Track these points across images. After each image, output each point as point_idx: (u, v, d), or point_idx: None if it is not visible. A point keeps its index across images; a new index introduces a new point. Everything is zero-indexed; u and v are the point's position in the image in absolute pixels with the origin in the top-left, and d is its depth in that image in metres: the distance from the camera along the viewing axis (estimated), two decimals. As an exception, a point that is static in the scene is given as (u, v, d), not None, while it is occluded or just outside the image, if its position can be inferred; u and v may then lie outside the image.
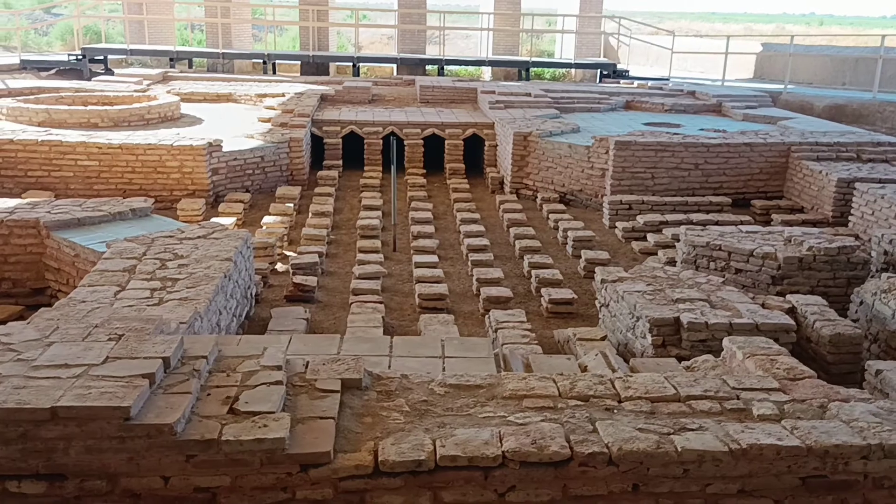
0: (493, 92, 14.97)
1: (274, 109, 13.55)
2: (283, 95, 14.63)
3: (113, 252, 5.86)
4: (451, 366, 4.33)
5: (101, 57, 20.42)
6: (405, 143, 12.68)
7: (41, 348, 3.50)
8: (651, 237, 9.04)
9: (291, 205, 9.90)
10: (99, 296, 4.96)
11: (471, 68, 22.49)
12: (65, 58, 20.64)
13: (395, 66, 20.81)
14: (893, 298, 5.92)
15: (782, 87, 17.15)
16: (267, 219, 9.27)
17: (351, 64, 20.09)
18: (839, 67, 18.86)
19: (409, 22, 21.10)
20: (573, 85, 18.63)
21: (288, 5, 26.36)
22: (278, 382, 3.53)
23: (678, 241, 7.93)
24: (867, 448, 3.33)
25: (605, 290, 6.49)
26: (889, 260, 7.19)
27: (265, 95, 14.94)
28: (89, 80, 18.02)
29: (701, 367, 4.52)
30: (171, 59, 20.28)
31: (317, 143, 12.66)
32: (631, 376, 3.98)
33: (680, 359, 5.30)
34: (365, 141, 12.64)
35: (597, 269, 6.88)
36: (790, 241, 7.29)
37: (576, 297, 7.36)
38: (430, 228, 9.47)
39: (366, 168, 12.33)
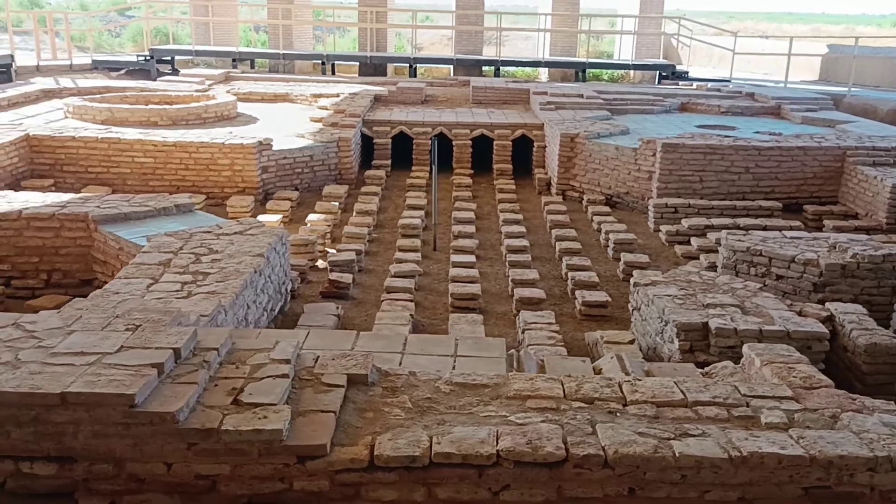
0: (546, 93, 14.90)
1: (327, 109, 13.78)
2: (337, 96, 14.85)
3: (152, 246, 6.07)
4: (461, 364, 4.36)
5: (169, 58, 21.06)
6: (454, 143, 12.75)
7: (62, 336, 3.67)
8: (695, 241, 8.88)
9: (337, 203, 10.06)
10: (132, 288, 5.15)
11: (527, 69, 22.42)
12: (134, 58, 21.37)
13: (451, 67, 20.90)
14: (937, 309, 5.70)
15: (846, 89, 16.61)
16: (312, 216, 9.44)
17: (408, 65, 20.27)
18: (907, 70, 18.20)
19: (466, 23, 21.16)
20: (627, 86, 18.39)
21: (349, 7, 26.72)
22: (284, 376, 3.61)
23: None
24: (874, 460, 3.23)
25: (637, 293, 6.43)
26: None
27: (320, 96, 15.20)
28: (155, 80, 18.60)
29: (719, 374, 4.44)
30: (234, 60, 20.79)
31: (367, 143, 12.82)
32: (640, 380, 3.94)
33: (707, 364, 5.21)
34: (414, 141, 12.75)
35: (634, 272, 6.82)
36: (834, 247, 7.08)
37: (610, 299, 7.30)
38: (471, 228, 9.50)
39: (413, 168, 12.43)
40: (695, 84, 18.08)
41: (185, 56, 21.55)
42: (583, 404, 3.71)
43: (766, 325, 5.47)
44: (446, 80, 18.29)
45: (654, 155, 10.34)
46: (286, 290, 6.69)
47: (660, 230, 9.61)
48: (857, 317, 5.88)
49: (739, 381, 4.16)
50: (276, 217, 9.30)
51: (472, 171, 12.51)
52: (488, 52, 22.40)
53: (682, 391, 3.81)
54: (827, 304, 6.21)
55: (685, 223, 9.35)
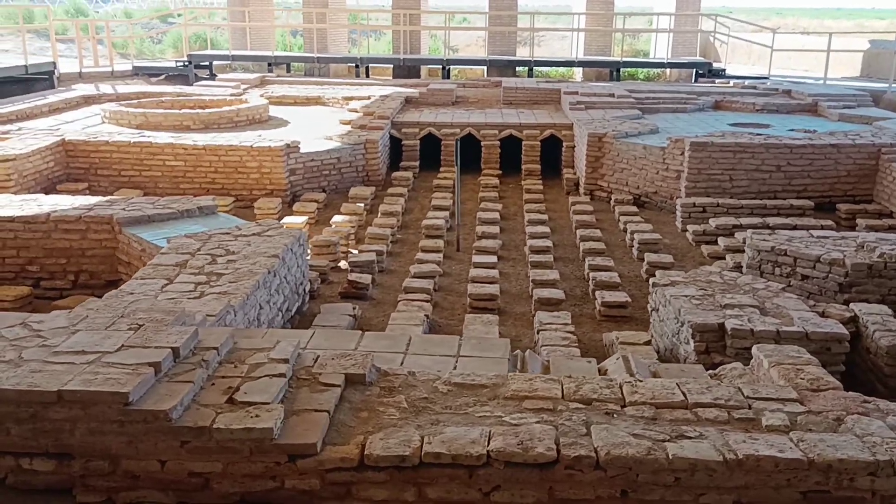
0: (576, 93, 14.80)
1: (356, 112, 13.87)
2: (368, 98, 14.94)
3: (170, 247, 6.17)
4: (463, 365, 4.35)
5: (207, 63, 21.43)
6: (482, 144, 12.73)
7: (66, 336, 3.74)
8: (722, 241, 8.73)
9: (362, 204, 10.11)
10: (146, 288, 5.24)
11: (562, 69, 22.29)
12: (173, 64, 21.78)
13: (485, 68, 20.89)
14: (965, 309, 5.52)
15: (887, 85, 16.18)
16: (336, 218, 9.51)
17: (441, 67, 20.31)
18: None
19: (500, 24, 21.12)
20: (660, 85, 18.18)
21: (384, 10, 26.87)
22: (281, 375, 3.64)
23: (748, 245, 7.64)
24: (875, 464, 3.14)
25: (655, 293, 6.34)
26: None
27: (351, 98, 15.30)
28: (192, 85, 18.93)
29: (728, 375, 4.36)
30: (270, 64, 21.07)
31: (397, 145, 12.87)
32: (641, 381, 3.89)
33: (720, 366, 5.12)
34: (441, 142, 12.76)
35: (657, 272, 6.73)
36: (862, 246, 6.89)
37: (630, 300, 7.21)
38: (495, 229, 9.48)
39: (441, 169, 12.44)
40: (732, 82, 17.80)
41: (222, 61, 21.91)
42: (580, 405, 3.67)
43: (784, 327, 5.35)
44: (478, 81, 18.28)
45: (682, 154, 10.19)
46: (304, 290, 6.74)
47: (687, 230, 9.48)
48: (881, 318, 5.72)
49: (746, 382, 4.08)
50: (302, 219, 9.39)
51: (500, 172, 12.48)
52: (523, 53, 22.30)
53: (683, 393, 3.74)
54: (851, 304, 6.06)
55: (713, 223, 9.20)
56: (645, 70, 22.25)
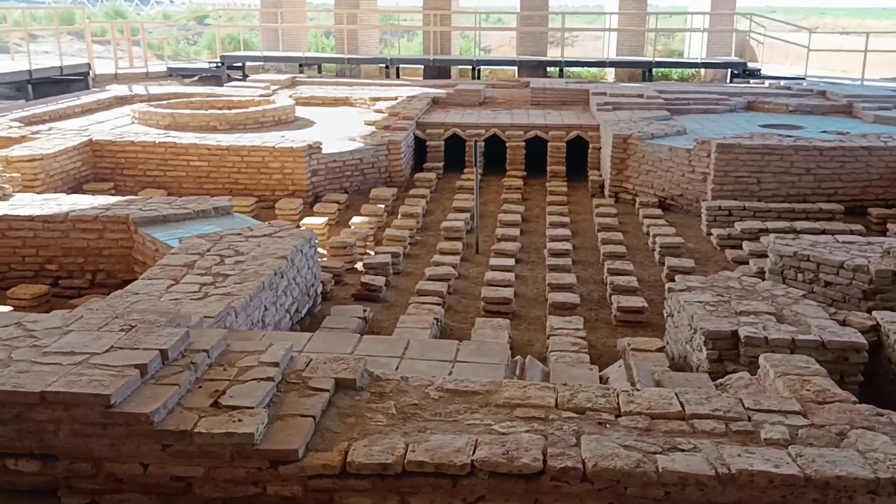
0: (605, 93, 14.62)
1: (382, 113, 13.85)
2: (395, 99, 14.92)
3: (181, 248, 6.19)
4: (458, 370, 4.27)
5: (239, 64, 21.62)
6: (507, 145, 12.63)
7: (58, 336, 3.75)
8: (746, 245, 8.52)
9: (382, 206, 10.08)
10: (152, 289, 5.25)
11: (593, 70, 22.06)
12: (206, 65, 22.02)
13: (515, 68, 20.76)
14: None
15: (929, 85, 15.75)
16: (355, 219, 9.48)
17: (471, 67, 20.23)
18: None
19: (531, 24, 20.97)
20: (692, 85, 17.88)
21: (416, 10, 26.88)
22: (269, 379, 3.60)
23: (772, 250, 7.44)
24: (875, 482, 3.00)
25: (671, 299, 6.20)
26: None
27: (378, 99, 15.29)
28: (223, 85, 19.11)
29: (733, 385, 4.22)
30: (301, 65, 21.18)
31: (422, 146, 12.82)
32: (638, 390, 3.77)
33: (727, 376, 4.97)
34: (466, 143, 12.68)
35: (676, 277, 6.59)
36: (888, 252, 6.67)
37: (646, 305, 7.06)
38: (515, 231, 9.38)
39: (465, 170, 12.36)
40: (767, 82, 17.45)
41: (255, 62, 22.08)
42: (573, 414, 3.57)
43: (800, 335, 5.17)
44: (507, 82, 18.16)
45: (708, 156, 9.99)
46: (315, 292, 6.71)
47: (711, 234, 9.28)
48: (904, 327, 5.51)
49: (751, 393, 3.94)
50: (322, 219, 9.38)
51: (524, 174, 12.37)
52: (554, 54, 22.11)
53: (680, 403, 3.62)
54: (874, 312, 5.85)
55: (738, 226, 8.99)
56: (679, 70, 21.92)
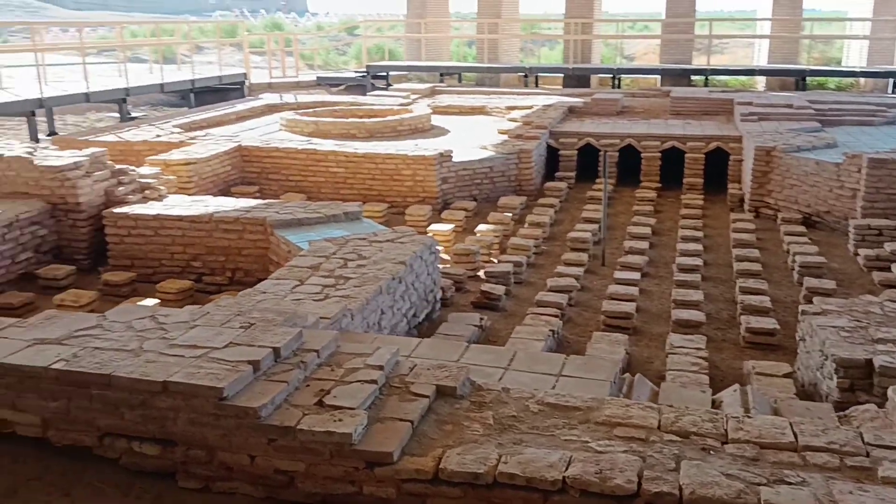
0: (750, 103, 13.99)
1: (516, 122, 13.89)
2: (531, 108, 14.93)
3: (309, 250, 6.47)
4: (562, 384, 4.22)
5: (384, 73, 22.28)
6: (642, 155, 12.35)
7: (185, 330, 4.02)
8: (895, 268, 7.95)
9: (510, 214, 10.11)
10: (278, 288, 5.52)
11: (742, 78, 21.13)
12: (353, 75, 22.84)
13: (658, 77, 20.23)
14: None
15: None
16: (481, 227, 9.56)
17: (611, 76, 19.92)
18: None
19: (676, 31, 20.38)
20: (847, 95, 16.78)
21: (557, 19, 26.77)
22: (372, 381, 3.71)
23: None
24: None
25: (804, 322, 5.87)
26: None
27: (514, 108, 15.36)
28: (366, 94, 19.77)
29: (858, 418, 3.95)
30: (441, 74, 21.57)
31: (555, 155, 12.76)
32: (749, 417, 3.61)
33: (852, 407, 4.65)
34: (600, 153, 12.48)
35: (814, 299, 6.25)
36: None
37: (779, 327, 6.70)
38: (643, 244, 9.15)
39: (597, 180, 12.16)
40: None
41: (398, 71, 22.69)
42: (676, 438, 3.46)
43: (944, 368, 4.77)
44: (647, 91, 17.73)
45: (859, 171, 9.37)
46: (434, 297, 6.83)
47: (858, 254, 8.69)
48: None
49: (876, 427, 3.68)
50: (449, 226, 9.52)
51: (659, 185, 12.05)
52: (701, 61, 21.38)
53: (794, 433, 3.43)
54: None
55: (888, 247, 8.38)
56: (836, 79, 20.63)
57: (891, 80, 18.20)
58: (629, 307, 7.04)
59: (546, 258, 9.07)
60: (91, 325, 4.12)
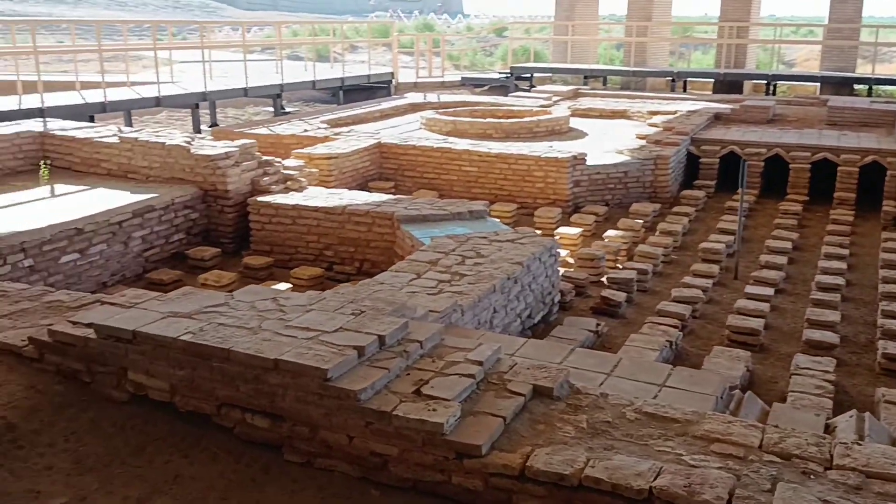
0: (917, 115, 13.02)
1: (656, 127, 13.58)
2: (674, 113, 14.55)
3: (431, 245, 6.64)
4: (664, 395, 4.13)
5: (528, 75, 22.34)
6: (790, 167, 11.77)
7: (301, 313, 4.26)
8: None
9: (641, 221, 9.92)
10: (396, 280, 5.72)
11: (913, 87, 19.66)
12: (496, 76, 23.05)
13: (817, 84, 19.16)
14: None
15: None
16: (609, 232, 9.44)
17: (765, 82, 19.05)
18: None
19: (839, 37, 19.22)
20: None
21: (711, 23, 25.85)
22: (470, 376, 3.80)
23: None
24: None
25: (947, 352, 5.45)
26: None
27: (656, 112, 15.02)
28: (508, 95, 19.89)
29: None
30: (586, 77, 21.38)
31: (695, 162, 12.38)
32: (860, 444, 3.42)
33: None
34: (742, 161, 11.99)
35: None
36: None
37: (921, 356, 6.24)
38: (781, 259, 8.74)
39: (739, 190, 11.69)
40: None
41: (542, 73, 22.69)
42: (776, 459, 3.33)
43: None
44: (802, 99, 16.83)
45: None
46: (552, 300, 6.84)
47: None
48: None
49: None
50: (577, 230, 9.48)
51: (806, 199, 11.45)
52: (865, 70, 20.06)
53: (907, 466, 3.23)
54: None
55: None
56: None
57: None
58: (757, 323, 6.77)
59: (674, 267, 8.84)
60: (219, 302, 4.44)
